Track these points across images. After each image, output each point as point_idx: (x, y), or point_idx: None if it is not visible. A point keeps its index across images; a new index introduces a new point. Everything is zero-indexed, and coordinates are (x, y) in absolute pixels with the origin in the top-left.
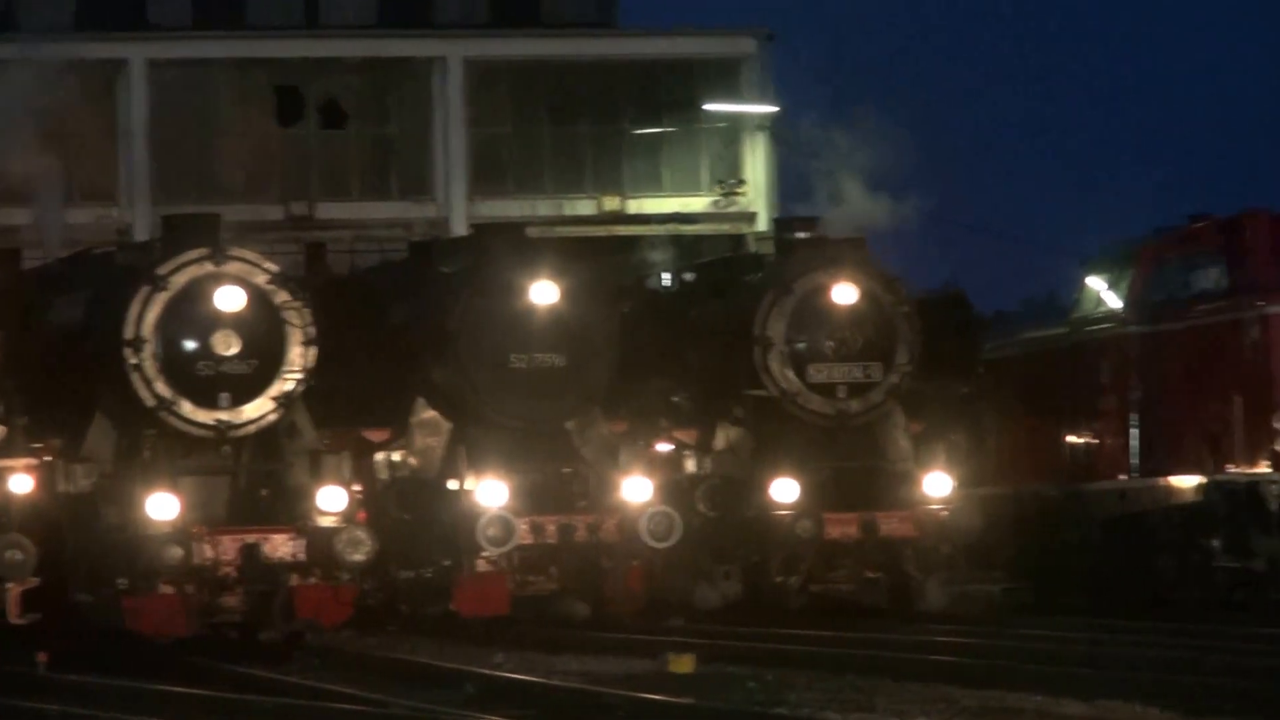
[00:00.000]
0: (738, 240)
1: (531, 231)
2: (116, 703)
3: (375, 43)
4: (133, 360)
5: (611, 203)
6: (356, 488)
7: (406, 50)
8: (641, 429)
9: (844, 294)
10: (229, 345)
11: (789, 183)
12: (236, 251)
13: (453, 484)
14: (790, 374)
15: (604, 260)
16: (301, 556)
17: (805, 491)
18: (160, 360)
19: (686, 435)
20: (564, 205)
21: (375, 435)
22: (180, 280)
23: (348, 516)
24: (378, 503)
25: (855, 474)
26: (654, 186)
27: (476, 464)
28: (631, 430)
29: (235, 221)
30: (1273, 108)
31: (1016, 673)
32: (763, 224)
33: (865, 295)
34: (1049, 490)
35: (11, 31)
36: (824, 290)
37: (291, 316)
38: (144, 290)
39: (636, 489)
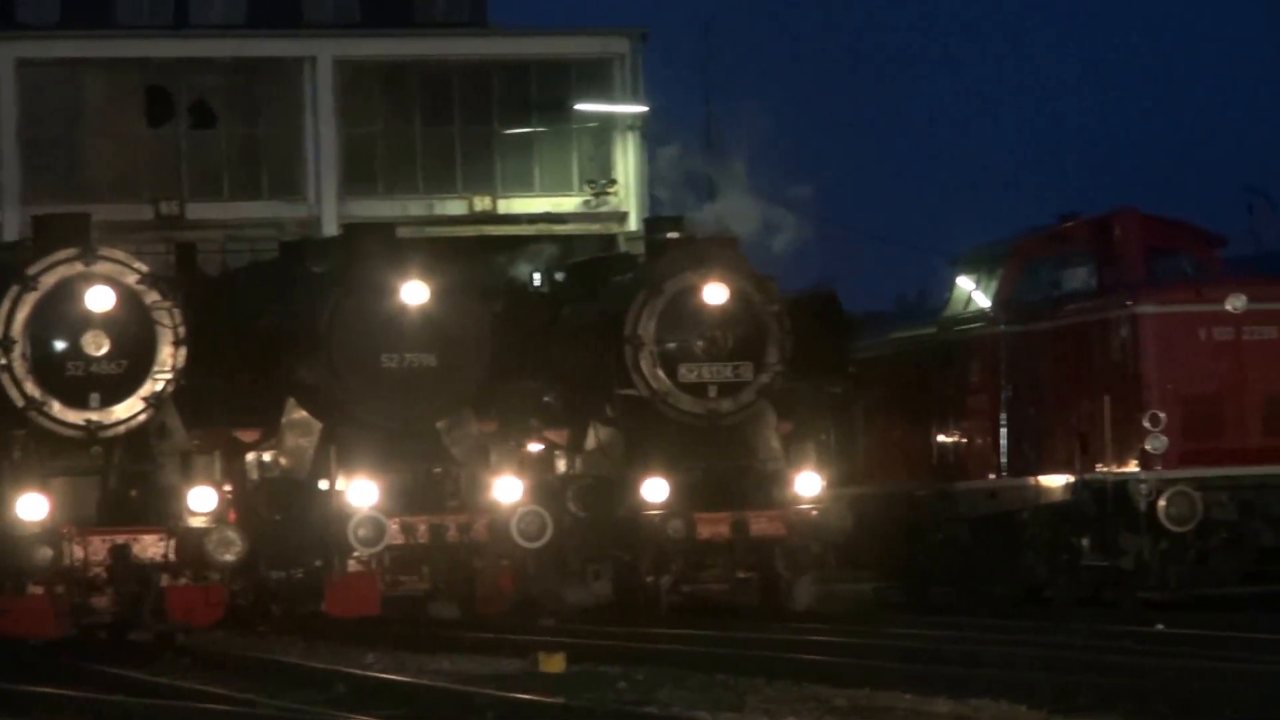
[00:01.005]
0: (609, 240)
1: (402, 231)
2: None
3: (245, 42)
4: (1, 360)
5: (483, 203)
6: (227, 488)
7: (276, 50)
8: (512, 429)
9: (715, 294)
10: (99, 345)
11: (660, 182)
12: (107, 251)
13: (323, 484)
14: (661, 374)
15: (475, 260)
16: (172, 557)
17: (676, 491)
18: (29, 360)
19: (557, 435)
20: (435, 205)
21: (246, 435)
22: (50, 280)
23: (218, 517)
24: (248, 503)
25: (726, 473)
26: (525, 186)
27: (347, 464)
28: (502, 430)
29: (105, 221)
30: (1147, 109)
31: (886, 671)
32: (634, 224)
33: (736, 295)
34: (919, 489)
35: None
36: (695, 290)
37: (162, 317)
38: (13, 290)
39: (507, 489)
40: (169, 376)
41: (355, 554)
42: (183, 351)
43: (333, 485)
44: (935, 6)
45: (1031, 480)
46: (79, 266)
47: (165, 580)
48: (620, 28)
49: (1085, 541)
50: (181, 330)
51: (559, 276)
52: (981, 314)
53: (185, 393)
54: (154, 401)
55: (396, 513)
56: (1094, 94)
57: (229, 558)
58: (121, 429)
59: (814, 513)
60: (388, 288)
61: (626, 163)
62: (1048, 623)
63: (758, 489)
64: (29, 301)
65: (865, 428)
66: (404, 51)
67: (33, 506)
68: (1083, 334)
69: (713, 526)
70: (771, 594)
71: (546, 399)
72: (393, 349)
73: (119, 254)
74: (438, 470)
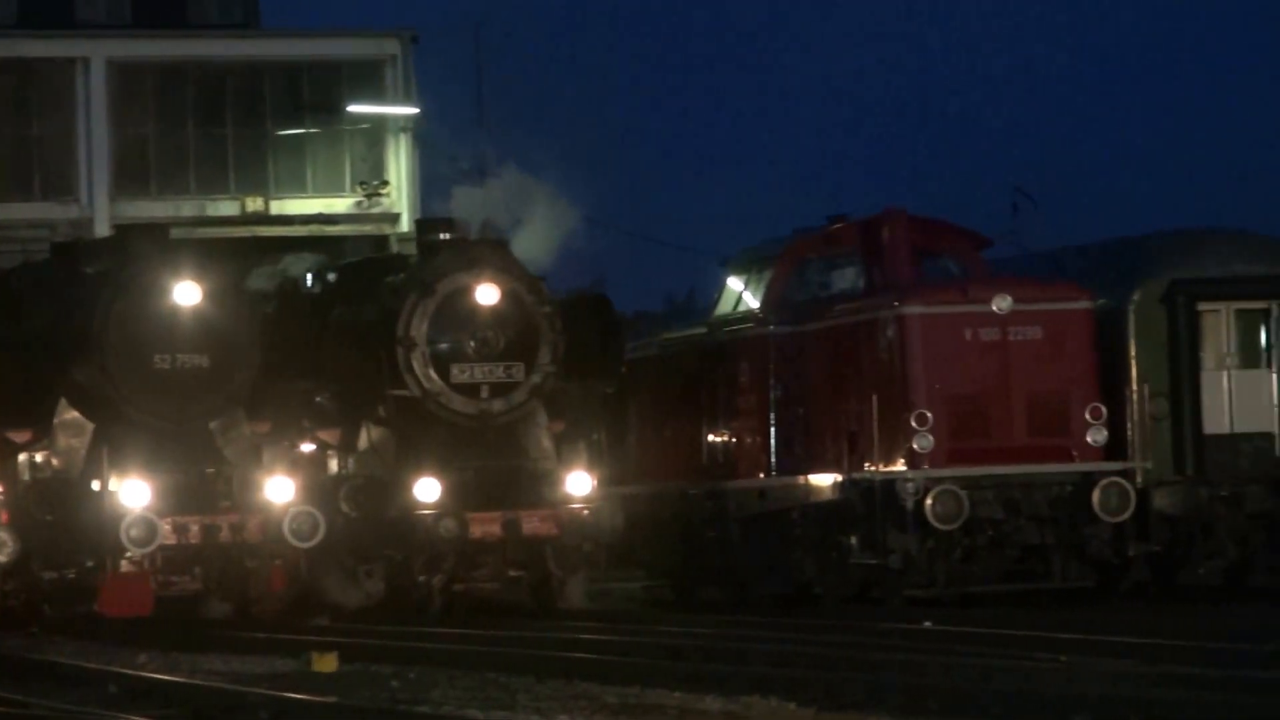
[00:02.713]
0: (381, 241)
1: (175, 232)
2: None
3: (17, 42)
4: None
5: (255, 204)
6: None
7: (48, 50)
8: (285, 429)
9: (486, 295)
10: None
11: (431, 184)
12: None
13: (96, 485)
14: (433, 374)
15: (248, 261)
16: None
17: (448, 491)
18: None
19: (330, 435)
20: (208, 206)
21: (18, 436)
22: None
23: None
24: (20, 503)
25: (498, 473)
26: (298, 187)
27: (119, 464)
28: (275, 430)
29: None
30: (914, 110)
31: (657, 669)
32: (405, 225)
33: (507, 296)
34: (690, 489)
35: None
36: (466, 291)
37: None
38: None
39: (280, 489)
40: None
41: (128, 554)
42: None
43: (105, 486)
44: (710, 8)
45: (800, 479)
46: None
47: None
48: (391, 30)
49: (853, 540)
50: None
51: (331, 277)
52: (751, 315)
53: None
54: None
55: (169, 513)
56: (860, 97)
57: (1, 559)
58: None
59: (585, 512)
60: (160, 289)
61: (398, 164)
62: (817, 620)
63: (529, 488)
64: None
65: (637, 428)
66: (177, 53)
67: None
68: (851, 334)
69: (485, 526)
70: (543, 593)
71: (319, 399)
72: (165, 350)
73: None
74: (210, 470)
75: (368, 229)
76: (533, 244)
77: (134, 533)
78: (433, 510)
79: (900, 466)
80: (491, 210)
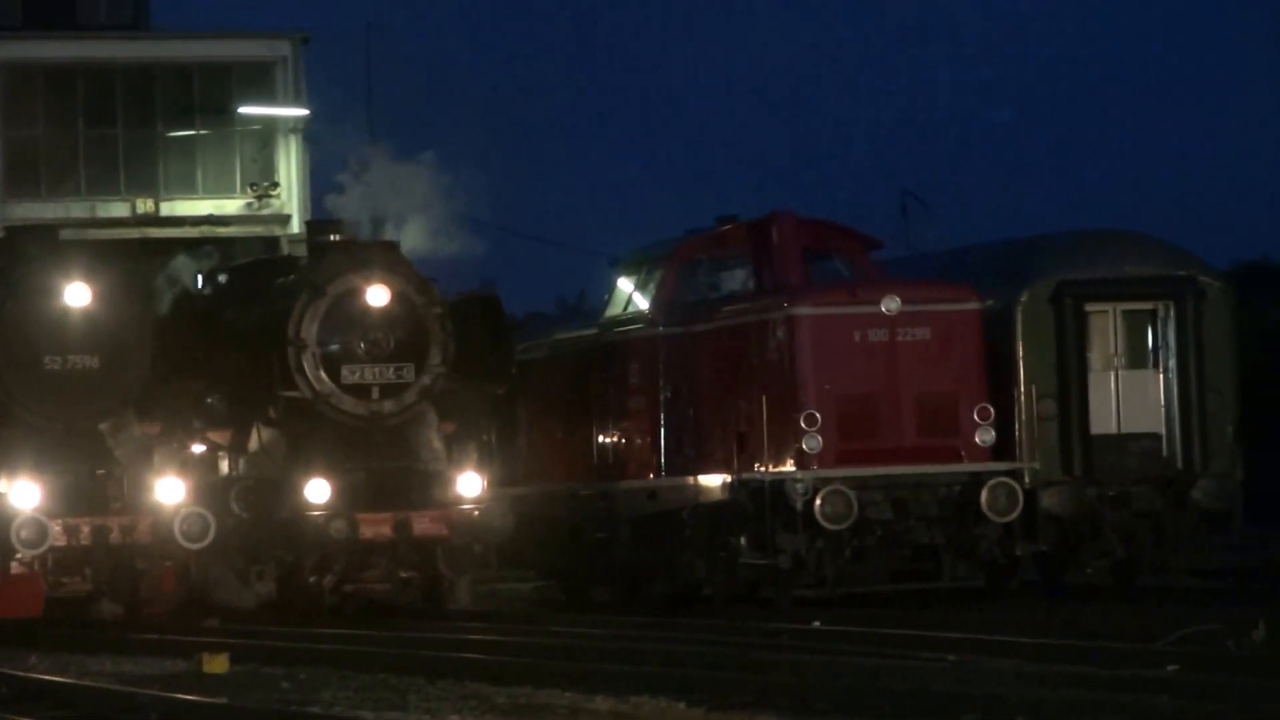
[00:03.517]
0: (272, 242)
1: (65, 234)
2: None
3: None
4: None
5: (145, 205)
6: None
7: None
8: (176, 430)
9: (376, 296)
10: None
11: (322, 185)
12: None
13: None
14: (324, 375)
15: (138, 262)
16: None
17: (339, 492)
18: None
19: (221, 436)
20: (98, 207)
21: None
22: None
23: None
24: None
25: (389, 474)
26: (189, 189)
27: (9, 466)
28: (165, 431)
29: None
30: (804, 113)
31: (547, 669)
32: (296, 226)
33: (398, 297)
34: (581, 489)
35: None
36: (357, 292)
37: None
38: None
39: (170, 490)
40: None
41: (18, 555)
42: None
43: None
44: (601, 8)
45: (690, 480)
46: None
47: None
48: (282, 31)
49: (743, 540)
50: None
51: (222, 279)
52: (641, 316)
53: None
54: None
55: (59, 514)
56: (752, 99)
57: None
58: None
59: (476, 513)
60: (50, 290)
61: (289, 165)
62: (706, 620)
63: (420, 489)
64: None
65: (528, 428)
66: (67, 54)
67: None
68: (740, 335)
69: (375, 527)
70: (434, 593)
71: (210, 400)
72: (55, 351)
73: None
74: (101, 472)
75: (258, 230)
76: (423, 245)
77: (24, 534)
78: (323, 511)
79: (790, 467)
80: (381, 212)
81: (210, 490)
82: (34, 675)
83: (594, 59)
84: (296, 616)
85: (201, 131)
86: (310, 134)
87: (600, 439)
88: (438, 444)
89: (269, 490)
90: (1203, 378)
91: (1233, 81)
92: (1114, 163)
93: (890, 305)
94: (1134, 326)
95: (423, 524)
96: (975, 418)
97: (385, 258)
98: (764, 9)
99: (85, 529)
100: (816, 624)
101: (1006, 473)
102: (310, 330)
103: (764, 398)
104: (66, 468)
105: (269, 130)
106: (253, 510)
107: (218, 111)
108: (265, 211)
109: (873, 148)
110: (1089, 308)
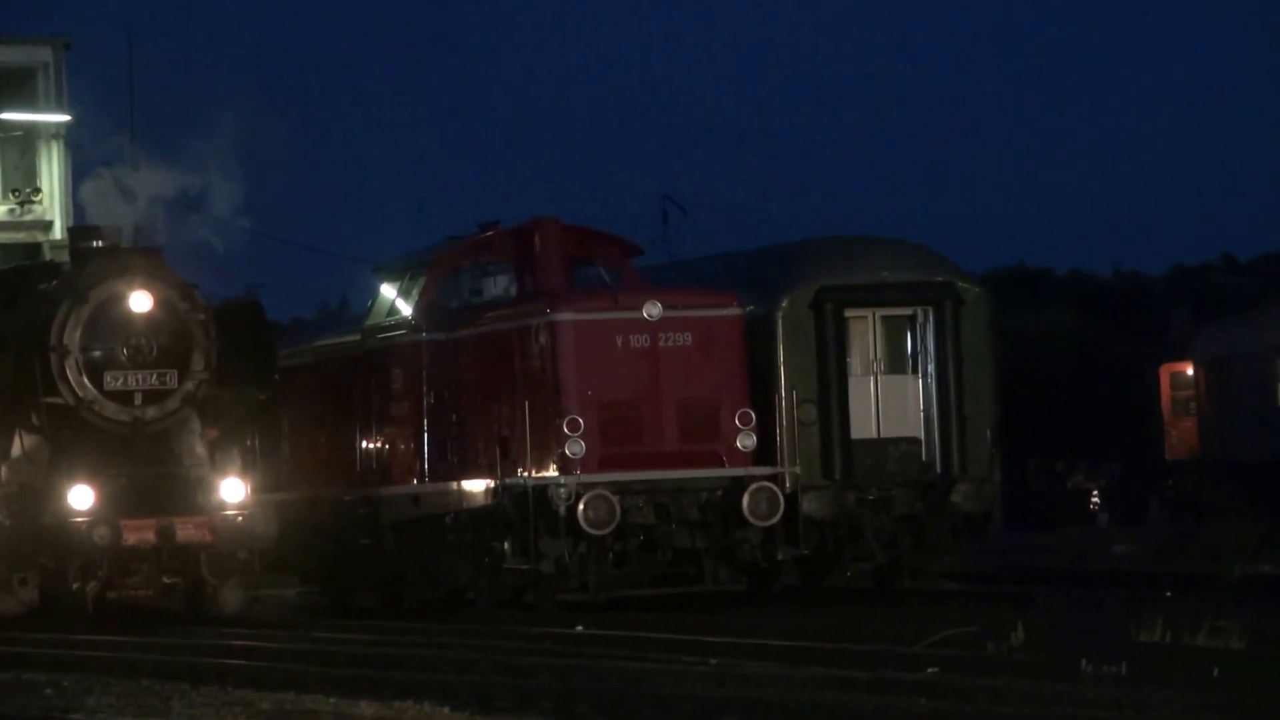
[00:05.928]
0: (33, 249)
1: None
2: None
3: None
4: None
5: None
6: None
7: None
8: None
9: (139, 302)
10: None
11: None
12: None
13: None
14: (86, 381)
15: None
16: None
17: (102, 498)
18: None
19: None
20: None
21: None
22: None
23: None
24: None
25: (152, 480)
26: None
27: None
28: None
29: None
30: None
31: (310, 675)
32: (58, 232)
33: (161, 303)
34: (344, 495)
35: None
36: (119, 299)
37: None
38: None
39: None
40: None
41: None
42: None
43: None
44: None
45: (454, 485)
46: None
47: None
48: (44, 36)
49: (506, 545)
50: None
51: None
52: (404, 322)
53: None
54: None
55: None
56: (515, 108)
57: None
58: None
59: (239, 519)
60: None
61: (51, 171)
62: (470, 625)
63: (184, 495)
64: None
65: (291, 434)
66: None
67: None
68: (503, 341)
69: (139, 533)
70: (198, 599)
71: None
72: None
73: None
74: None
75: (20, 236)
76: (185, 251)
77: None
78: (86, 517)
79: (553, 472)
80: (143, 218)
81: None
82: None
83: (361, 65)
84: (60, 623)
85: None
86: (73, 140)
87: (364, 445)
88: (201, 450)
89: (31, 496)
90: (961, 382)
91: (988, 92)
92: (874, 169)
93: (652, 311)
94: (894, 332)
95: (186, 530)
96: (737, 423)
97: (148, 264)
98: (527, 20)
99: None
100: (579, 628)
101: (768, 477)
102: (73, 336)
103: (527, 403)
104: None
105: (30, 136)
106: (15, 517)
107: None
108: (27, 218)
109: (635, 154)
110: (849, 313)
